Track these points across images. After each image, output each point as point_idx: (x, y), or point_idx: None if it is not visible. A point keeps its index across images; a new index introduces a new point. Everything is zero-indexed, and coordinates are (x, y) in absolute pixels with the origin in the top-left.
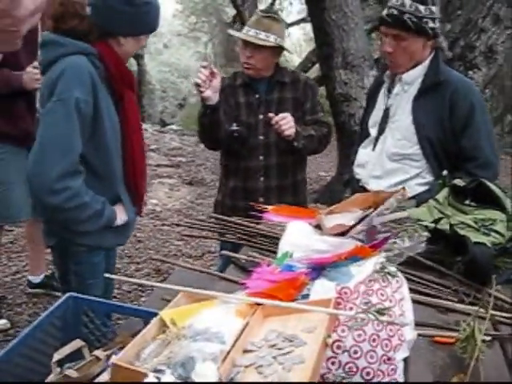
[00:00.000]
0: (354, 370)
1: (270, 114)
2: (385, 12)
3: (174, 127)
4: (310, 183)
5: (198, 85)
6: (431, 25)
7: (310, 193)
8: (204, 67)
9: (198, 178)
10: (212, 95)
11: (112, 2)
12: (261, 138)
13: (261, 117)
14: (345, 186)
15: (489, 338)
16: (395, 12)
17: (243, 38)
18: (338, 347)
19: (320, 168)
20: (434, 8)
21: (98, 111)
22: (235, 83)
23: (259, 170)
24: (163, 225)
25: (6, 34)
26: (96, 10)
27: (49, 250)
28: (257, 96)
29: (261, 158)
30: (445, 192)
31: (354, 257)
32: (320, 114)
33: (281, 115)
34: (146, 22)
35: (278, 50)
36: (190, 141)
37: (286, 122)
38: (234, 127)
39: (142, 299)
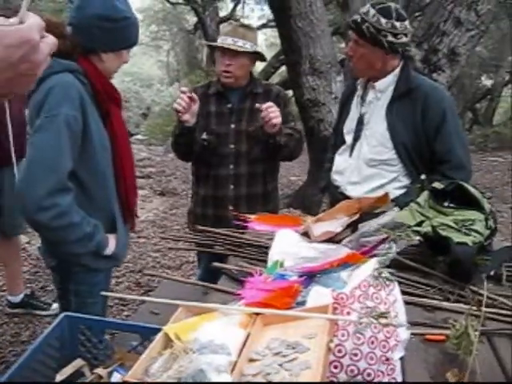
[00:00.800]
0: (356, 372)
1: (257, 105)
2: (353, 17)
3: (139, 137)
4: (282, 188)
5: (177, 111)
6: (390, 38)
7: (282, 198)
8: (183, 92)
9: (170, 188)
10: (190, 119)
11: (91, 20)
12: (232, 146)
13: (232, 126)
14: (322, 192)
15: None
16: (359, 19)
17: (222, 45)
18: (340, 351)
19: (290, 173)
20: (397, 23)
21: (87, 127)
22: (208, 92)
23: (229, 178)
24: (139, 237)
25: (24, 77)
26: (76, 28)
27: (26, 269)
28: (229, 105)
29: (231, 166)
30: (425, 195)
31: (346, 263)
32: (292, 123)
33: (268, 103)
34: (125, 36)
35: (254, 56)
36: (157, 150)
37: (274, 110)
38: (204, 136)
39: (125, 313)
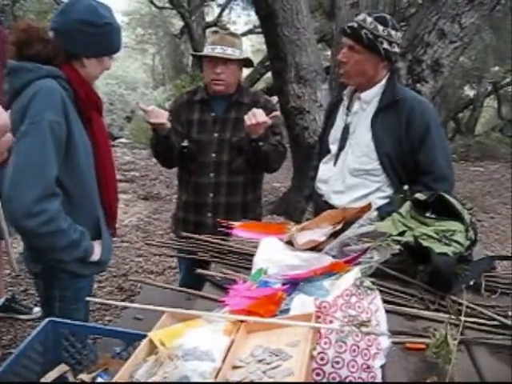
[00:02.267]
0: (338, 379)
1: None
2: (347, 24)
3: (123, 140)
4: (265, 194)
5: (162, 123)
6: (385, 46)
7: (265, 204)
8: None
9: (153, 193)
10: (167, 125)
11: (73, 24)
12: (213, 155)
13: (215, 135)
14: (306, 200)
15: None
16: (355, 25)
17: (214, 55)
18: (322, 359)
19: (274, 179)
20: (393, 32)
21: (71, 133)
22: (193, 98)
23: (209, 186)
24: (122, 241)
25: None
26: (58, 32)
27: (6, 272)
28: (213, 114)
29: (211, 175)
30: (407, 206)
31: (329, 272)
32: (278, 136)
33: (254, 110)
34: (107, 42)
35: (242, 63)
36: (141, 154)
37: (260, 114)
38: (185, 144)
39: (107, 318)
